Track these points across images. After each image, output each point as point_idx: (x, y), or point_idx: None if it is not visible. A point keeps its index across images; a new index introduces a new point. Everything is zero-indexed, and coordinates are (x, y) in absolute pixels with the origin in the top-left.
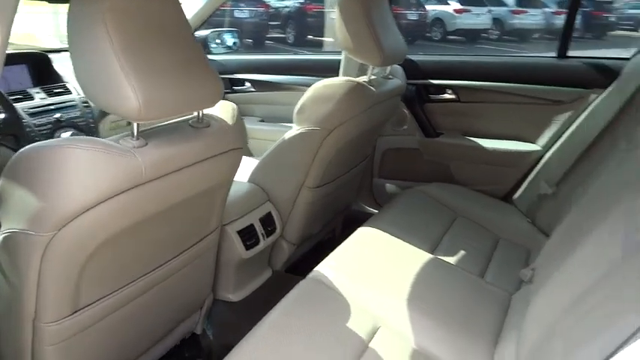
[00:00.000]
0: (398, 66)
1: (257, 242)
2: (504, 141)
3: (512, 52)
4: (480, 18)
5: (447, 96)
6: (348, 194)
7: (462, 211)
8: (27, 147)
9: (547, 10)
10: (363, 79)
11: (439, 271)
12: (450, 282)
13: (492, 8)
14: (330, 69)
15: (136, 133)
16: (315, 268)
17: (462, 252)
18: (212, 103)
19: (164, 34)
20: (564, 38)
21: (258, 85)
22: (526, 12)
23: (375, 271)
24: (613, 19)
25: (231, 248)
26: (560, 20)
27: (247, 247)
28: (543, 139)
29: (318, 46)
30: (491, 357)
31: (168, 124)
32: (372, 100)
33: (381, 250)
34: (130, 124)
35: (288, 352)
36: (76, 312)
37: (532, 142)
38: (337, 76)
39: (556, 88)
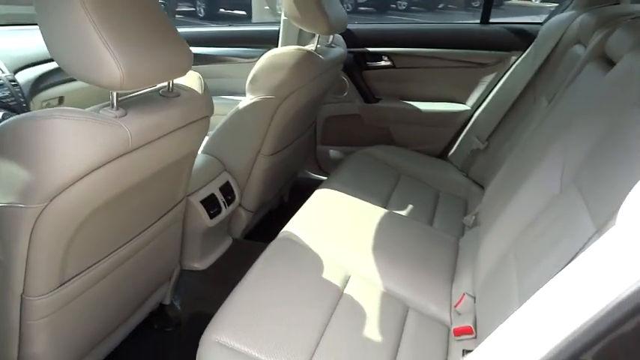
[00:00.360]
0: (339, 35)
1: (219, 211)
2: (437, 103)
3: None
4: None
5: (383, 63)
6: (296, 161)
7: (404, 169)
8: (10, 119)
9: None
10: (310, 47)
11: (394, 223)
12: (405, 231)
13: None
14: (266, 40)
15: (115, 104)
16: (283, 230)
17: (410, 206)
18: (184, 72)
19: (134, 3)
20: (486, 6)
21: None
22: None
23: (338, 227)
24: None
25: (195, 218)
26: None
27: (211, 216)
28: (472, 100)
29: (231, 19)
30: (449, 291)
31: (140, 94)
32: (320, 68)
33: (340, 209)
34: (61, 102)
35: (270, 308)
36: (62, 285)
37: (462, 103)
38: (275, 46)
39: (481, 51)
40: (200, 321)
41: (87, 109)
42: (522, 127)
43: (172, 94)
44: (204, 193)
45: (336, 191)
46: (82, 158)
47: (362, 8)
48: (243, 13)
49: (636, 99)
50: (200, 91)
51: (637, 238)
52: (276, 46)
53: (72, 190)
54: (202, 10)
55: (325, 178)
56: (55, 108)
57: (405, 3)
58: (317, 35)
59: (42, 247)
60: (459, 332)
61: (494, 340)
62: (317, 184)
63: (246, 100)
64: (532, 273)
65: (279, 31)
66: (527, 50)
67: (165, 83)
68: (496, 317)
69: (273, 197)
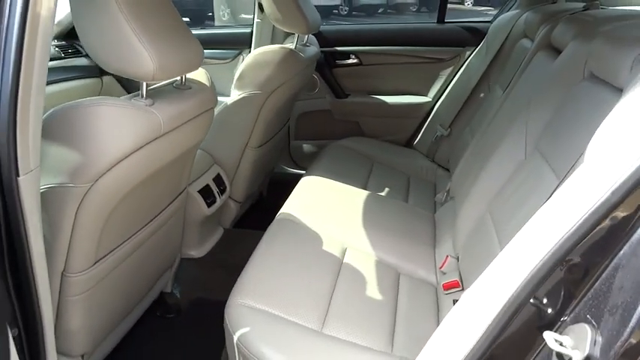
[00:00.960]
0: (312, 35)
1: (215, 200)
2: (402, 96)
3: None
4: None
5: (351, 61)
6: (275, 155)
7: (376, 158)
8: (57, 108)
9: None
10: (291, 46)
11: (377, 202)
12: (388, 209)
13: None
14: (238, 42)
15: (145, 94)
16: (279, 213)
17: (387, 189)
18: (198, 66)
19: (156, 2)
20: (441, 8)
21: None
22: None
23: (328, 208)
24: None
25: (194, 206)
26: None
27: (208, 205)
28: (432, 92)
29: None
30: (432, 256)
31: (157, 87)
32: (300, 65)
33: (327, 193)
34: None
35: (283, 278)
36: (96, 262)
37: (424, 95)
38: (247, 48)
39: (438, 48)
40: (200, 307)
41: (121, 98)
42: (481, 113)
43: (185, 86)
44: (200, 184)
45: (321, 177)
46: (124, 141)
47: None
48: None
49: (583, 75)
50: (208, 85)
51: (595, 174)
52: (249, 48)
53: (114, 170)
54: None
55: (300, 171)
56: (97, 97)
57: (347, 8)
58: (297, 35)
59: (84, 225)
60: (448, 286)
61: (482, 280)
62: (293, 178)
63: (234, 96)
64: (507, 226)
65: (250, 33)
66: (480, 45)
67: (178, 78)
68: (480, 268)
69: (256, 190)
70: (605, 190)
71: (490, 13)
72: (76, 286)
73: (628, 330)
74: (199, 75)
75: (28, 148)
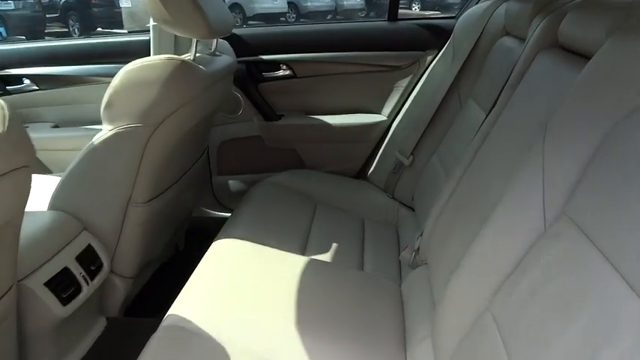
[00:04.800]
0: (224, 41)
1: (78, 290)
2: (349, 115)
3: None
4: (276, 2)
5: (281, 73)
6: (188, 201)
7: (319, 197)
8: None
9: None
10: (187, 56)
11: (319, 275)
12: (334, 285)
13: None
14: (137, 52)
15: (195, 55)
16: (169, 312)
17: (334, 244)
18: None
19: None
20: (393, 2)
21: (42, 81)
22: None
23: (246, 298)
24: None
25: (38, 310)
26: (349, 1)
27: (65, 301)
28: (388, 108)
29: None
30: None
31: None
32: (203, 82)
33: (246, 267)
34: None
35: None
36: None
37: (377, 113)
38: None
39: (391, 53)
40: None
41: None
42: (451, 137)
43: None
44: (51, 270)
45: (239, 241)
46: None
47: (251, 22)
48: (124, 32)
49: None
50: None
51: None
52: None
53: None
54: (76, 30)
55: (227, 214)
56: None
57: (295, 15)
58: (194, 41)
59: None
60: None
61: None
62: (218, 224)
63: (103, 133)
64: (522, 340)
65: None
66: (444, 48)
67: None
68: None
69: (161, 252)
70: None
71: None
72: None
73: None
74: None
75: None
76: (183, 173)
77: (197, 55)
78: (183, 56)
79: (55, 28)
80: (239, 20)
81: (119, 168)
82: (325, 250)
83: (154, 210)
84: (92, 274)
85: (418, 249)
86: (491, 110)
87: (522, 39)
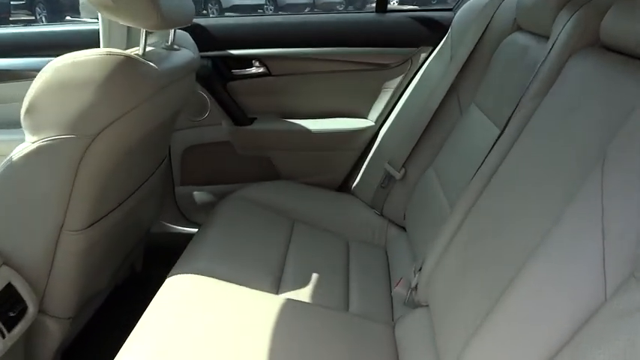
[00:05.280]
0: (184, 32)
1: None
2: (332, 119)
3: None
4: None
5: (254, 70)
6: (144, 218)
7: (297, 214)
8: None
9: None
10: (133, 51)
11: (296, 321)
12: (315, 334)
13: None
14: (86, 45)
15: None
16: None
17: (314, 276)
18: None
19: None
20: None
21: None
22: None
23: (204, 351)
24: None
25: None
26: None
27: None
28: (375, 112)
29: None
30: None
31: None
32: (156, 82)
33: (206, 311)
34: None
35: None
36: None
37: (363, 117)
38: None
39: (380, 49)
40: None
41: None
42: (451, 148)
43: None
44: None
45: (198, 276)
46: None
47: (227, 14)
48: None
49: None
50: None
51: None
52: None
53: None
54: (44, 18)
55: (192, 229)
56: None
57: (272, 8)
58: (143, 32)
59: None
60: None
61: None
62: (182, 240)
63: (25, 145)
64: None
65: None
66: (441, 44)
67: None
68: None
69: (109, 281)
70: None
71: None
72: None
73: None
74: None
75: None
76: (135, 189)
77: (148, 49)
78: (129, 50)
79: (22, 16)
80: (215, 12)
81: (46, 189)
82: (304, 284)
83: (96, 236)
84: (12, 322)
85: (416, 286)
86: (507, 124)
87: (541, 35)
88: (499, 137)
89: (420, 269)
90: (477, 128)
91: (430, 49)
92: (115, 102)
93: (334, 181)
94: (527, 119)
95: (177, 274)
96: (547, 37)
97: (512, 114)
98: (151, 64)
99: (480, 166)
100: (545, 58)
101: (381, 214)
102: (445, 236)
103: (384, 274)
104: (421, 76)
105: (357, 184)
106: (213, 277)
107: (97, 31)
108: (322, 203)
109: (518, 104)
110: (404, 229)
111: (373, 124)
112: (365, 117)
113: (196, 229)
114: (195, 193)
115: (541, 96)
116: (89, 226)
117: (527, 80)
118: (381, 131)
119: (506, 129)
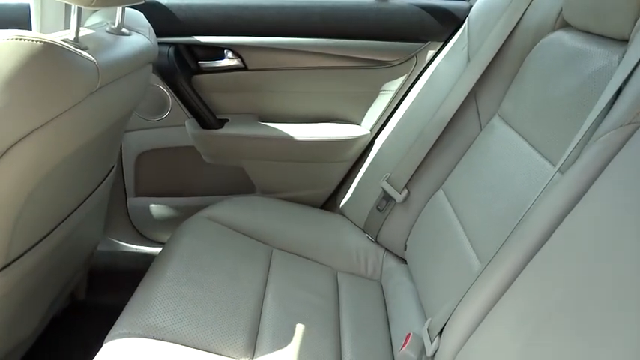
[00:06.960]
0: (137, 12)
1: None
2: (318, 125)
3: None
4: None
5: (226, 62)
6: (85, 240)
7: (275, 239)
8: None
9: None
10: (62, 35)
11: None
12: None
13: None
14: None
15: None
16: None
17: (299, 326)
18: None
19: None
20: None
21: None
22: None
23: None
24: None
25: None
26: None
27: None
28: (371, 119)
29: None
30: None
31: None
32: (92, 78)
33: None
34: None
35: None
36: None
37: (356, 124)
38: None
39: (380, 43)
40: None
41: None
42: (467, 168)
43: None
44: None
45: (148, 342)
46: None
47: None
48: None
49: None
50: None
51: None
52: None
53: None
54: None
55: (148, 248)
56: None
57: None
58: (74, 8)
59: None
60: None
61: None
62: (132, 261)
63: None
64: None
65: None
66: (454, 40)
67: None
68: None
69: (39, 322)
70: None
71: None
72: None
73: None
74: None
75: None
76: (72, 210)
77: (85, 32)
78: (57, 34)
79: None
80: None
81: None
82: (285, 343)
83: (16, 278)
84: None
85: (434, 355)
86: (568, 157)
87: (608, 38)
88: (555, 174)
89: (439, 334)
90: (506, 150)
91: (440, 45)
92: (27, 108)
93: (318, 196)
94: (606, 160)
95: (118, 336)
96: (621, 41)
97: (576, 146)
98: (84, 53)
99: (533, 213)
100: (632, 71)
101: (376, 241)
102: (476, 300)
103: (382, 320)
104: (429, 78)
105: (346, 203)
106: (166, 339)
107: (24, 8)
108: (305, 225)
109: (585, 134)
110: (403, 260)
111: (368, 132)
112: (358, 123)
113: (152, 248)
114: (152, 206)
115: (621, 123)
116: (4, 268)
117: (585, 97)
118: (376, 141)
119: (570, 170)
